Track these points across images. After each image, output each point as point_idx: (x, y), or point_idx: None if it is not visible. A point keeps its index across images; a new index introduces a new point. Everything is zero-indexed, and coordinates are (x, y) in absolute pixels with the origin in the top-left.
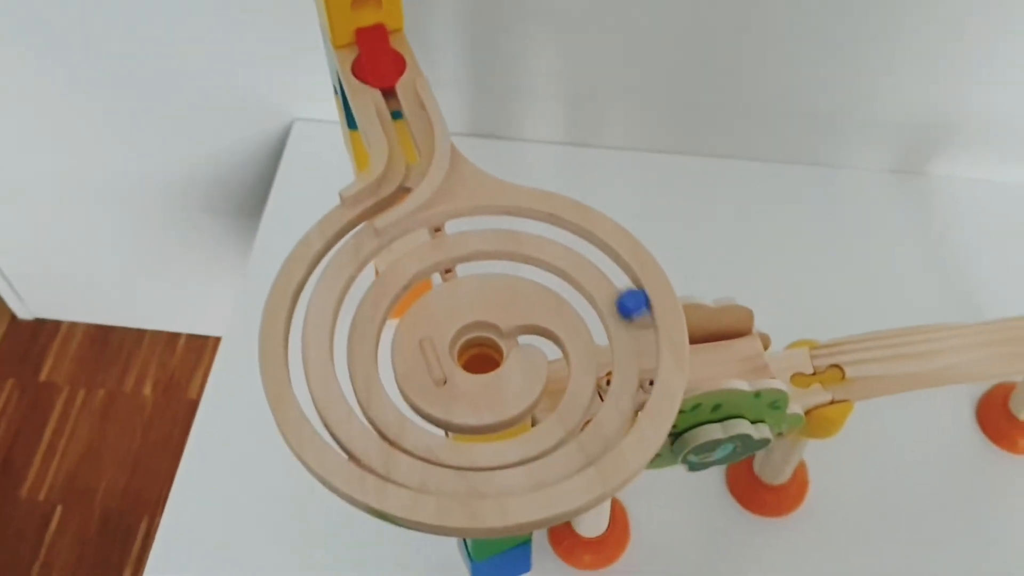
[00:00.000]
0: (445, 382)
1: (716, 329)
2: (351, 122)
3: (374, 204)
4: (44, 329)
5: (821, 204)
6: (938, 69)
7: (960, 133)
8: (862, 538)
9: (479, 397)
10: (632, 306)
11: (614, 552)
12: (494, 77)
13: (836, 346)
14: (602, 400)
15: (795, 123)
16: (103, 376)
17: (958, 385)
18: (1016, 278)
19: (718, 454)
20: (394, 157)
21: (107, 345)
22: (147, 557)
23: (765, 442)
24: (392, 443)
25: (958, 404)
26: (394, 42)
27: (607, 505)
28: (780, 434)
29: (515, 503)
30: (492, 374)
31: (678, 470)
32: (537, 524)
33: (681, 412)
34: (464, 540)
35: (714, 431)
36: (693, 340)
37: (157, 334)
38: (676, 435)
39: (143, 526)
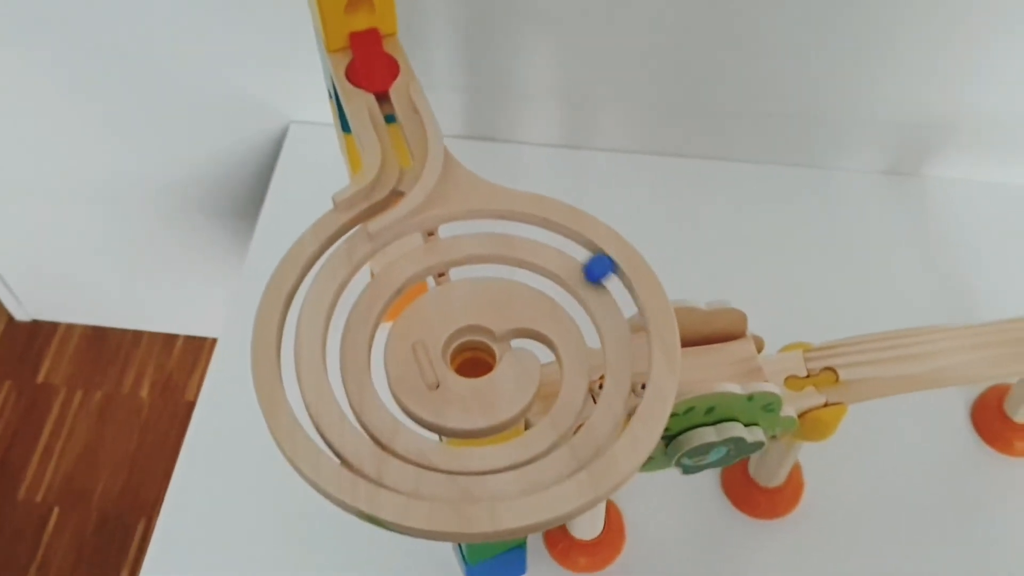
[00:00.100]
0: (438, 386)
1: (709, 332)
2: (345, 126)
3: (367, 208)
4: (41, 330)
5: (815, 206)
6: (933, 70)
7: (955, 135)
8: (858, 540)
9: (471, 401)
10: (598, 271)
11: (609, 555)
12: (489, 80)
13: (830, 349)
14: (595, 404)
15: (790, 125)
16: (100, 377)
17: (953, 387)
18: (1011, 279)
19: (712, 457)
20: (387, 161)
21: (104, 346)
22: (144, 558)
23: (759, 445)
24: (385, 447)
25: (953, 406)
26: (388, 46)
27: (602, 508)
28: (774, 437)
29: (506, 508)
30: (484, 378)
31: (673, 472)
32: (528, 529)
33: (674, 415)
34: (459, 543)
35: (708, 434)
36: (686, 343)
37: (154, 335)
38: (670, 438)
39: (140, 527)
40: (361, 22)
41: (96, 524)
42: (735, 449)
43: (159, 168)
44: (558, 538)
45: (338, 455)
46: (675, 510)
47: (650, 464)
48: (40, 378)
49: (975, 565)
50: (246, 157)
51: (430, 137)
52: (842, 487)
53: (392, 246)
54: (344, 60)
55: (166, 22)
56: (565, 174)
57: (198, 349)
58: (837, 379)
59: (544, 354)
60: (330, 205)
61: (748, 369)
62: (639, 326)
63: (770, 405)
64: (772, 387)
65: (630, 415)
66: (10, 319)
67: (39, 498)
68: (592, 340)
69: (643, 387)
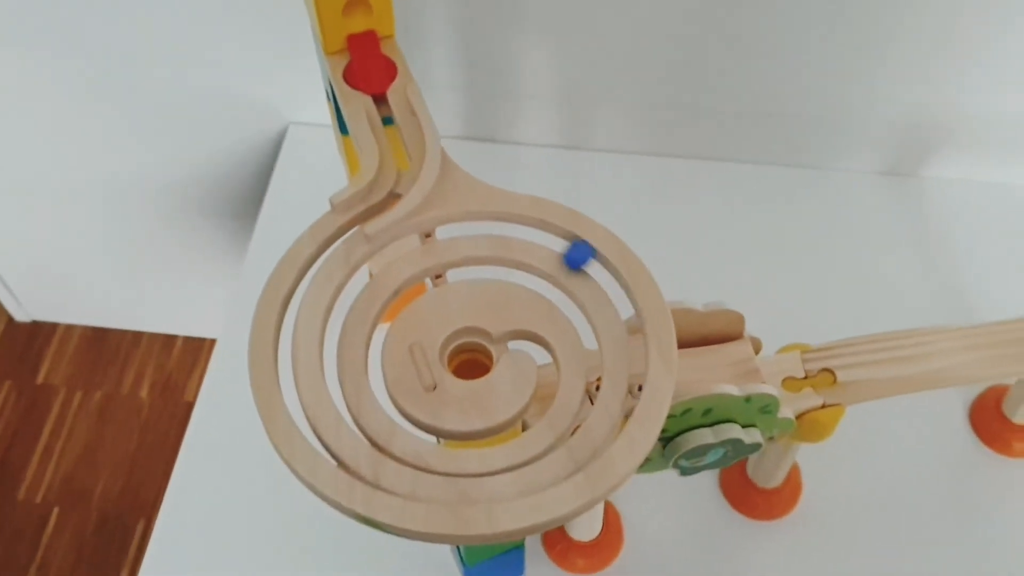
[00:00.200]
0: (435, 388)
1: (707, 333)
2: (343, 127)
3: (365, 210)
4: (41, 331)
5: (813, 207)
6: (930, 71)
7: (952, 135)
8: (856, 541)
9: (468, 403)
10: (578, 257)
11: (608, 556)
12: (487, 81)
13: (827, 350)
14: (592, 405)
15: (788, 125)
16: (100, 378)
17: (951, 388)
18: (1009, 280)
19: (709, 458)
20: (385, 163)
21: (104, 347)
22: (143, 558)
23: (756, 446)
24: (382, 449)
25: (951, 407)
26: (385, 48)
27: (600, 509)
28: (772, 438)
29: (503, 510)
30: (481, 380)
31: (671, 473)
32: (526, 531)
33: (671, 417)
34: (457, 545)
35: (705, 436)
36: (684, 344)
37: (154, 336)
38: (667, 440)
39: (140, 527)
40: (359, 24)
41: (96, 524)
42: (732, 450)
43: (159, 169)
44: (556, 539)
45: (335, 457)
46: (673, 511)
47: (648, 465)
48: (40, 379)
49: (973, 566)
50: (245, 158)
51: (428, 139)
52: (840, 488)
53: (391, 247)
54: (342, 62)
55: (166, 24)
56: (563, 175)
57: (197, 350)
58: (835, 380)
59: (541, 356)
60: (329, 206)
61: (745, 370)
62: (636, 327)
63: (767, 407)
64: (769, 388)
65: (627, 416)
66: (10, 320)
67: (39, 498)
68: (589, 341)
69: (640, 389)
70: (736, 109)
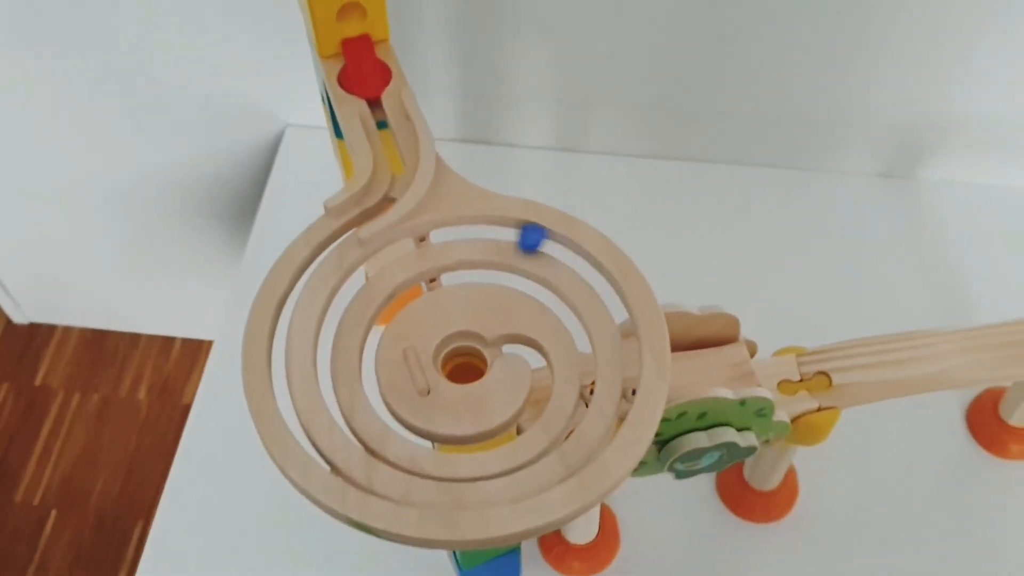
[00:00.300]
0: (429, 392)
1: (702, 337)
2: (338, 131)
3: (359, 214)
4: (39, 333)
5: (809, 209)
6: (926, 72)
7: (949, 137)
8: (852, 544)
9: (462, 407)
10: (533, 241)
11: (604, 559)
12: (482, 83)
13: (823, 353)
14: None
15: (783, 127)
16: (98, 380)
17: (947, 391)
18: (1006, 282)
19: (705, 462)
20: (379, 167)
21: (102, 349)
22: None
23: (752, 450)
24: (375, 454)
25: (948, 409)
26: (380, 52)
27: (596, 512)
28: (767, 441)
29: (495, 515)
30: (475, 384)
31: (668, 476)
32: (519, 536)
33: (666, 420)
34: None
35: (700, 439)
36: (679, 348)
37: (152, 338)
38: (662, 443)
39: (138, 529)
40: (353, 28)
41: (94, 526)
42: (728, 454)
43: (156, 171)
44: (553, 542)
45: (328, 462)
46: (670, 514)
47: (643, 469)
48: (38, 380)
49: (971, 568)
50: (243, 160)
51: (422, 143)
52: (837, 491)
53: (386, 251)
54: (336, 66)
55: (163, 26)
56: (559, 177)
57: (195, 352)
58: (831, 383)
59: (535, 360)
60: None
61: (741, 373)
62: (630, 331)
63: (763, 410)
64: (764, 392)
65: (622, 420)
66: (8, 322)
67: (37, 500)
68: (583, 345)
69: (634, 392)
70: (732, 111)
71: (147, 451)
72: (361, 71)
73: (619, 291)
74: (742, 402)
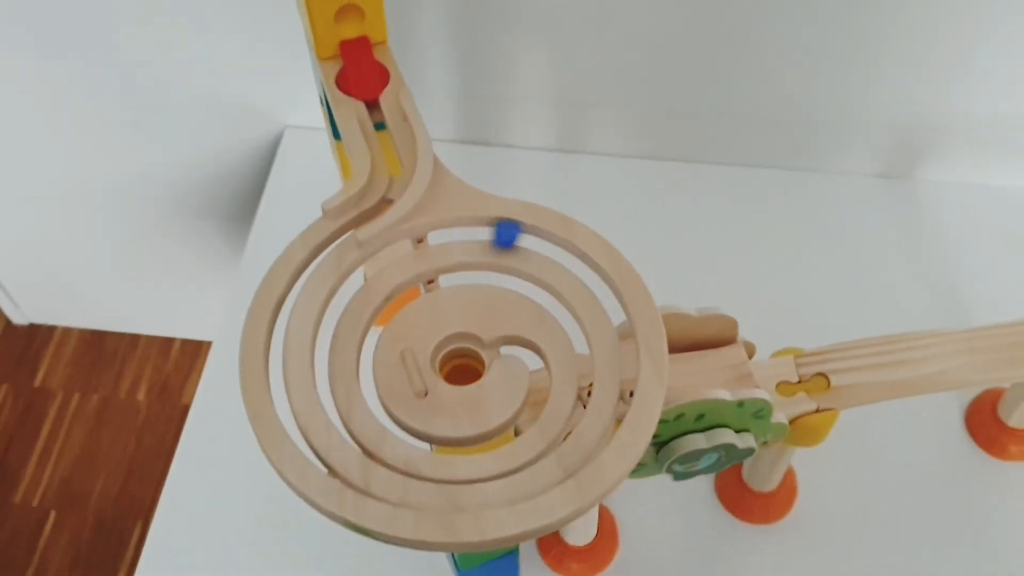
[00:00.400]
0: (426, 394)
1: (700, 338)
2: (337, 133)
3: (357, 216)
4: (39, 334)
5: (808, 210)
6: (925, 73)
7: (947, 137)
8: (851, 545)
9: (460, 409)
10: (507, 237)
11: (603, 560)
12: (481, 84)
13: (821, 354)
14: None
15: (782, 128)
16: (97, 381)
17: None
18: (1005, 283)
19: (703, 463)
20: (377, 169)
21: (102, 350)
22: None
23: (750, 451)
24: (372, 456)
25: (947, 410)
26: (378, 54)
27: (595, 513)
28: (765, 443)
29: (492, 517)
30: (473, 385)
31: (667, 477)
32: (515, 539)
33: (664, 422)
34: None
35: (698, 441)
36: (677, 349)
37: (151, 339)
38: (660, 445)
39: (137, 530)
40: (351, 30)
41: (93, 527)
42: (726, 455)
43: (156, 172)
44: (551, 544)
45: (325, 464)
46: (669, 515)
47: (641, 471)
48: (37, 381)
49: (970, 569)
50: (242, 161)
51: (419, 145)
52: (836, 492)
53: (385, 252)
54: (335, 68)
55: (163, 27)
56: (557, 178)
57: (195, 353)
58: (829, 385)
59: (533, 361)
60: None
61: (739, 375)
62: (628, 333)
63: (760, 411)
64: (762, 393)
65: (619, 422)
66: (7, 323)
67: (36, 501)
68: (581, 347)
69: (631, 394)
70: (730, 112)
71: (146, 452)
72: (359, 73)
73: (616, 293)
74: (740, 404)
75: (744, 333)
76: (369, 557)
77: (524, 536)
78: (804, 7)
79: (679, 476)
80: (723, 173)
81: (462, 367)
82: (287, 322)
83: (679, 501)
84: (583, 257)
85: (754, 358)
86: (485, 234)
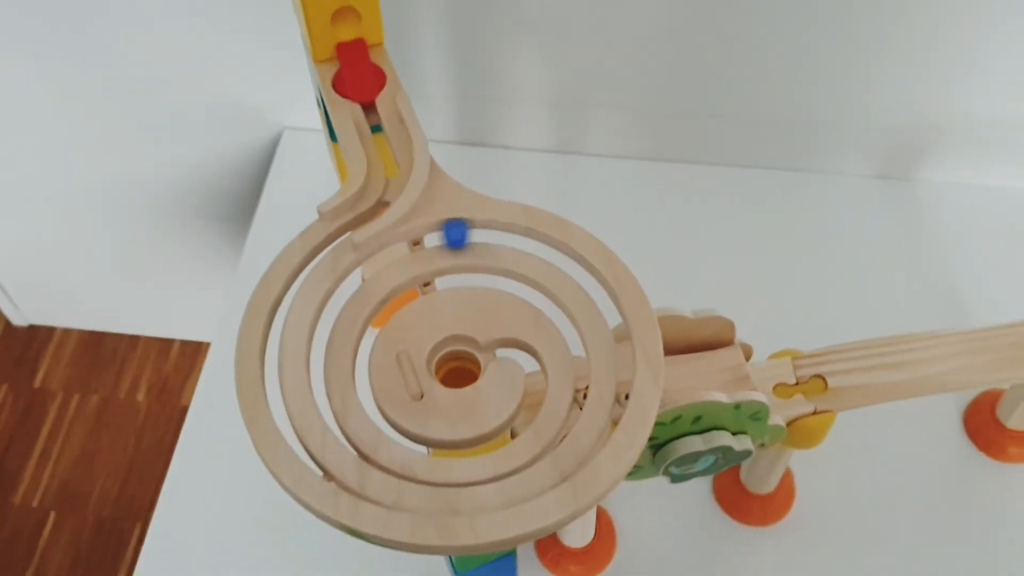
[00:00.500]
0: (422, 397)
1: (697, 340)
2: (333, 135)
3: (353, 218)
4: (38, 335)
5: (806, 211)
6: (922, 74)
7: (946, 138)
8: (850, 547)
9: (456, 412)
10: (458, 237)
11: (601, 562)
12: (478, 85)
13: (819, 356)
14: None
15: (780, 129)
16: (97, 382)
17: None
18: (1003, 284)
19: (700, 466)
20: (373, 171)
21: (101, 351)
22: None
23: (747, 453)
24: (368, 459)
25: (945, 412)
26: (374, 56)
27: (593, 515)
28: (762, 445)
29: (486, 520)
30: (469, 388)
31: (665, 479)
32: (511, 541)
33: (661, 424)
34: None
35: (695, 443)
36: (674, 351)
37: (151, 340)
38: (657, 447)
39: (136, 531)
40: (347, 32)
41: (92, 528)
42: (723, 458)
43: (155, 174)
44: (549, 546)
45: (321, 467)
46: (666, 517)
47: (638, 473)
48: (37, 382)
49: (969, 570)
50: (241, 162)
51: (416, 147)
52: (834, 494)
53: (382, 253)
54: (331, 70)
55: (161, 29)
56: (555, 179)
57: (194, 354)
58: (826, 387)
59: (529, 364)
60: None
61: (736, 377)
62: (624, 335)
63: (757, 414)
64: (759, 396)
65: (615, 424)
66: (7, 324)
67: (36, 502)
68: (577, 349)
69: (627, 397)
70: (728, 113)
71: (146, 453)
72: (355, 75)
73: (612, 295)
74: (737, 406)
75: (742, 334)
76: (368, 558)
77: (520, 539)
78: (803, 8)
79: (676, 478)
80: (720, 174)
81: (458, 370)
82: (283, 325)
83: (677, 503)
84: (579, 259)
85: (751, 360)
86: (483, 236)
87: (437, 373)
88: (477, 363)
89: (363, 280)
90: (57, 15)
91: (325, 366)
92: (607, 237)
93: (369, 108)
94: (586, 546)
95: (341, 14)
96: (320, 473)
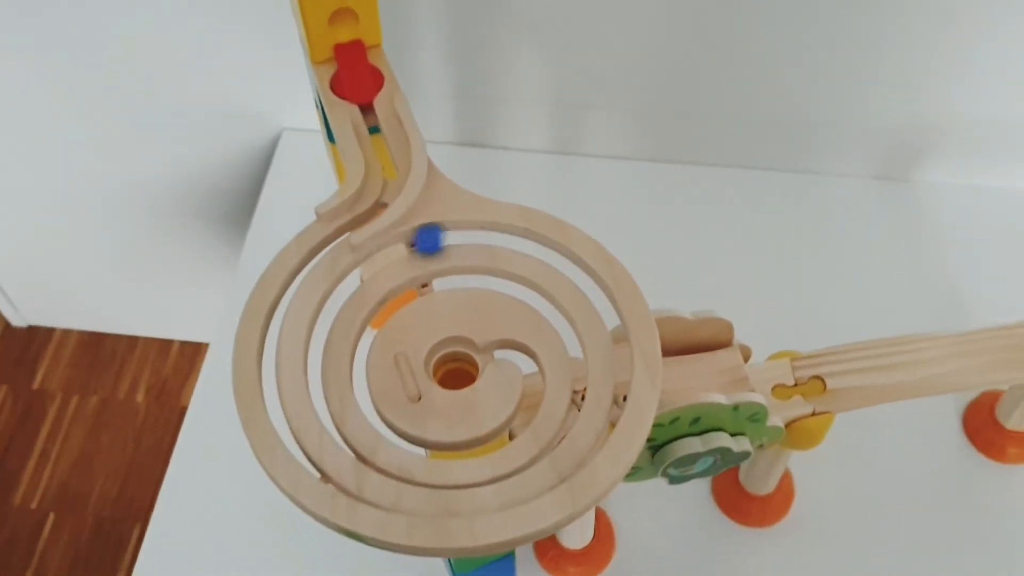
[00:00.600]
0: (420, 398)
1: (695, 341)
2: (331, 136)
3: (351, 219)
4: (37, 336)
5: (805, 212)
6: (922, 74)
7: (945, 139)
8: (849, 548)
9: (454, 413)
10: (430, 243)
11: (600, 563)
12: (477, 86)
13: (817, 357)
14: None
15: (779, 130)
16: (96, 383)
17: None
18: (1003, 285)
19: (698, 467)
20: (371, 172)
21: (100, 352)
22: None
23: (745, 455)
24: (365, 461)
25: (944, 413)
26: (372, 58)
27: (591, 517)
28: (761, 446)
29: (484, 522)
30: (467, 390)
31: (663, 480)
32: (508, 544)
33: (659, 426)
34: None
35: (693, 444)
36: (672, 352)
37: (150, 341)
38: (655, 448)
39: (135, 533)
40: (345, 34)
41: (92, 530)
42: (722, 459)
43: (154, 175)
44: (548, 547)
45: (318, 469)
46: (665, 518)
47: (636, 474)
48: (36, 384)
49: (968, 571)
50: (239, 163)
51: (413, 148)
52: (833, 495)
53: (380, 255)
54: (329, 72)
55: (160, 31)
56: (554, 180)
57: (193, 355)
58: (825, 388)
59: (527, 365)
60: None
61: (734, 379)
62: (622, 337)
63: (756, 415)
64: (758, 397)
65: (614, 426)
66: (6, 325)
67: (35, 504)
68: (575, 350)
69: (625, 398)
70: (728, 114)
71: (145, 454)
72: (353, 76)
73: (610, 297)
74: (735, 407)
75: (740, 336)
76: (366, 559)
77: (518, 541)
78: (803, 8)
79: (675, 480)
80: (720, 175)
81: (456, 371)
82: (281, 326)
83: (676, 504)
84: (577, 261)
85: (750, 361)
86: (480, 237)
87: (435, 374)
88: (475, 364)
89: (361, 281)
90: (57, 15)
91: (323, 367)
92: (605, 238)
93: (367, 109)
94: (585, 547)
95: (339, 15)
96: (317, 475)
